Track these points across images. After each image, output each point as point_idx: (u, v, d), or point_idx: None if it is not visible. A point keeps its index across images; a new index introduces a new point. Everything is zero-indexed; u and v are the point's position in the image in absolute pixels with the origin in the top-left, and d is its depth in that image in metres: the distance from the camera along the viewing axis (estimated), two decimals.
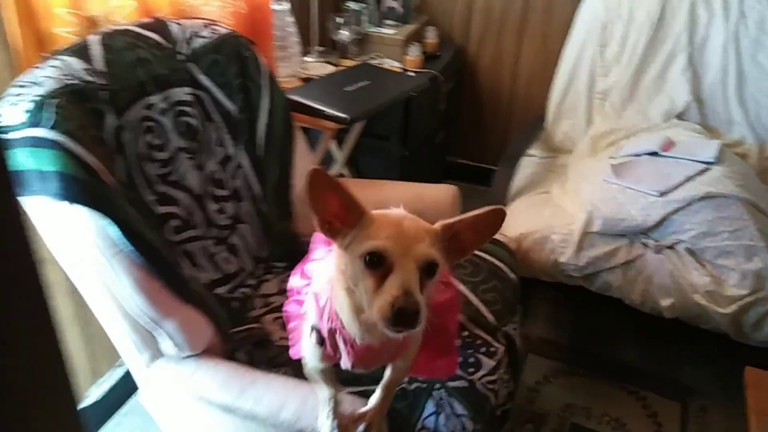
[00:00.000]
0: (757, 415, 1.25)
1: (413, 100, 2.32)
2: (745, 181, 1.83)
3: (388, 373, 1.04)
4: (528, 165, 2.41)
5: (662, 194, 1.76)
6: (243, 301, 1.53)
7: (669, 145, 2.04)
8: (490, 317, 1.49)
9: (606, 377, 2.02)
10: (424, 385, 1.23)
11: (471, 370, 1.30)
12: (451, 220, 0.82)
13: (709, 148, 1.96)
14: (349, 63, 2.32)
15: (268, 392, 1.14)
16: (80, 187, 1.09)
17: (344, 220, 0.80)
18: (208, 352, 1.26)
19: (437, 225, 0.82)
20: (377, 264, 0.75)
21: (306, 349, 1.01)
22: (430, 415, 1.17)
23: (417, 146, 2.52)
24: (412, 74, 2.40)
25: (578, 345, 2.16)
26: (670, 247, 1.76)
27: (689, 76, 2.28)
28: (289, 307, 1.14)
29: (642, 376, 2.02)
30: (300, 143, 1.73)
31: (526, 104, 2.88)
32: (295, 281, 1.13)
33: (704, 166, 1.87)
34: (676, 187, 1.78)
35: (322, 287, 0.92)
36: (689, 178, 1.82)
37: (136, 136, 1.32)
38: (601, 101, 2.43)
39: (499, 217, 0.82)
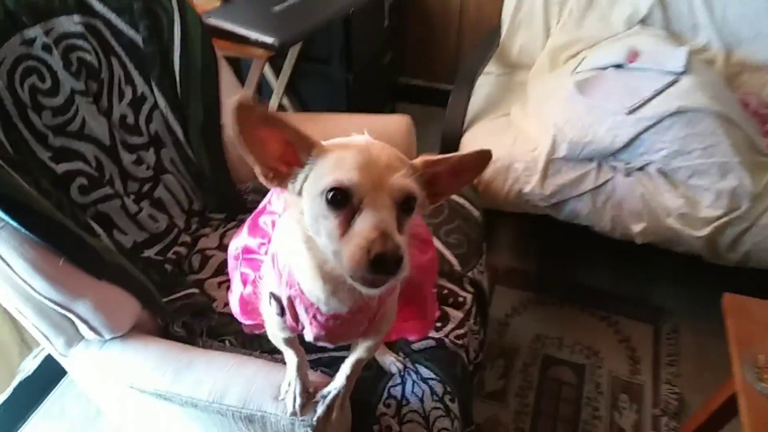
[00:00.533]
0: (738, 345, 1.17)
1: (355, 17, 2.06)
2: (715, 91, 1.70)
3: (356, 351, 0.89)
4: (484, 84, 2.22)
5: (631, 111, 1.62)
6: (178, 262, 1.34)
7: (634, 55, 1.89)
8: (455, 263, 1.36)
9: (576, 304, 1.96)
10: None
11: (438, 325, 1.17)
12: (435, 157, 0.68)
13: (676, 57, 1.81)
14: None
15: (207, 374, 0.98)
16: None
17: (290, 161, 0.65)
18: (136, 330, 1.08)
19: (418, 159, 0.67)
20: (342, 202, 0.60)
21: (266, 318, 0.87)
22: (397, 384, 1.05)
23: (362, 69, 2.29)
24: None
25: (546, 272, 2.08)
26: (641, 169, 1.64)
27: None
28: (244, 269, 0.96)
29: (613, 300, 1.97)
30: (226, 75, 1.49)
31: (479, 15, 2.65)
32: (244, 239, 0.95)
33: (673, 76, 1.73)
34: (645, 103, 1.64)
35: (281, 246, 0.76)
36: (658, 92, 1.67)
37: (12, 81, 1.07)
38: (559, 9, 2.23)
39: (485, 161, 0.70)
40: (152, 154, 1.37)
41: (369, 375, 1.06)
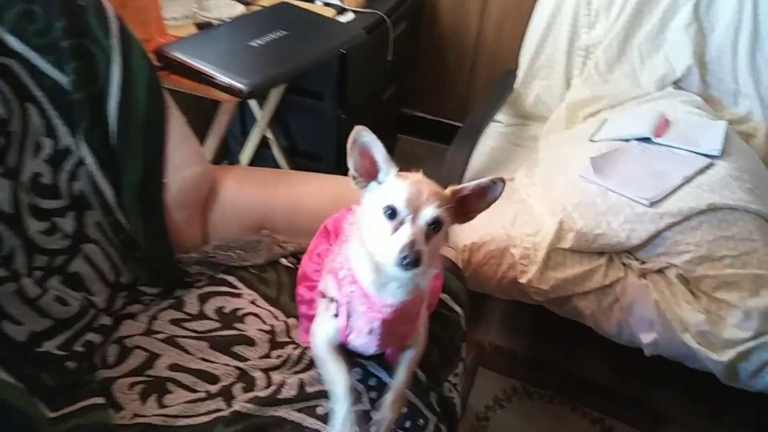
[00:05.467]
0: None
1: (352, 52, 1.83)
2: (754, 182, 1.45)
3: (401, 366, 1.05)
4: (492, 134, 1.98)
5: (653, 203, 1.37)
6: (87, 355, 1.11)
7: (664, 126, 1.63)
8: (420, 374, 1.13)
9: (568, 400, 1.71)
10: None
11: None
12: (459, 186, 0.91)
13: (713, 135, 1.56)
14: (267, 1, 1.79)
15: None
16: None
17: (369, 174, 0.92)
18: None
19: (447, 190, 0.91)
20: (393, 216, 0.86)
21: (319, 325, 1.04)
22: None
23: (358, 105, 2.05)
24: (351, 15, 1.89)
25: (537, 357, 1.84)
26: (658, 272, 1.39)
27: (692, 33, 1.83)
28: (300, 290, 1.19)
29: (610, 399, 1.72)
30: (176, 124, 1.26)
31: (495, 53, 2.41)
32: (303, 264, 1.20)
33: (707, 161, 1.48)
34: (670, 193, 1.39)
35: (342, 260, 0.98)
36: (687, 180, 1.42)
37: None
38: (584, 60, 1.98)
39: (499, 186, 0.90)
40: (71, 220, 1.14)
41: None
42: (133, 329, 1.19)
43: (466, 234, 1.51)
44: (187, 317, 1.24)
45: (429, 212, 0.86)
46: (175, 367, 1.12)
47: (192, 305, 1.25)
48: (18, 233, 1.05)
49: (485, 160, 1.85)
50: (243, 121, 2.16)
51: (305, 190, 1.38)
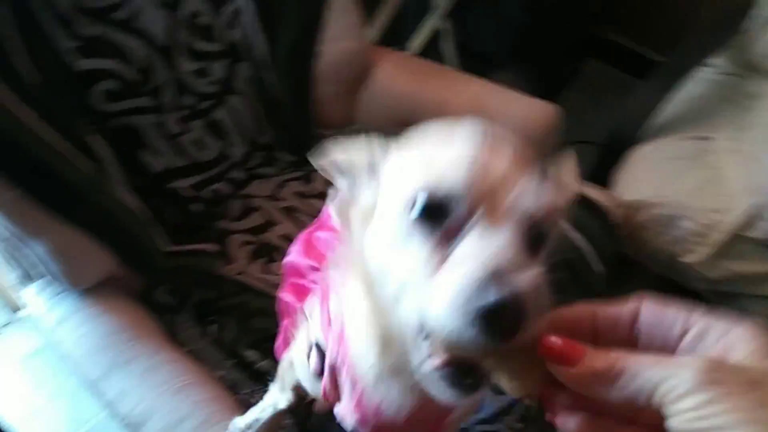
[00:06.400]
0: None
1: None
2: None
3: None
4: (699, 80, 1.64)
5: None
6: (214, 201, 1.13)
7: None
8: None
9: None
10: None
11: None
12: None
13: None
14: None
15: (139, 387, 0.78)
16: None
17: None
18: (109, 285, 0.90)
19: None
20: (435, 217, 0.38)
21: (296, 368, 0.64)
22: None
23: (546, 9, 1.80)
24: None
25: None
26: None
27: None
28: (284, 295, 0.75)
29: None
30: None
31: None
32: (293, 255, 0.76)
33: None
34: None
35: (337, 281, 0.53)
36: None
37: None
38: None
39: None
40: (223, 68, 1.11)
41: None
42: (260, 190, 1.19)
43: (632, 185, 1.29)
44: (311, 193, 1.21)
45: (528, 199, 0.38)
46: (286, 238, 1.10)
47: (319, 182, 1.21)
48: (170, 67, 1.04)
49: (680, 109, 1.54)
50: (419, 6, 2.00)
51: (457, 95, 1.24)
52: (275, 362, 0.73)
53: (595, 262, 1.13)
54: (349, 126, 1.26)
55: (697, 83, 1.63)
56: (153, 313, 0.92)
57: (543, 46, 1.92)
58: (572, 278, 1.08)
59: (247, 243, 1.10)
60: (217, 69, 1.11)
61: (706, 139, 1.42)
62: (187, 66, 1.06)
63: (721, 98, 1.62)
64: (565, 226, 1.07)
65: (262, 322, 0.94)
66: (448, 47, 2.01)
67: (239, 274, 1.05)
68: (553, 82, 2.06)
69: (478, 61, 2.02)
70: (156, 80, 1.02)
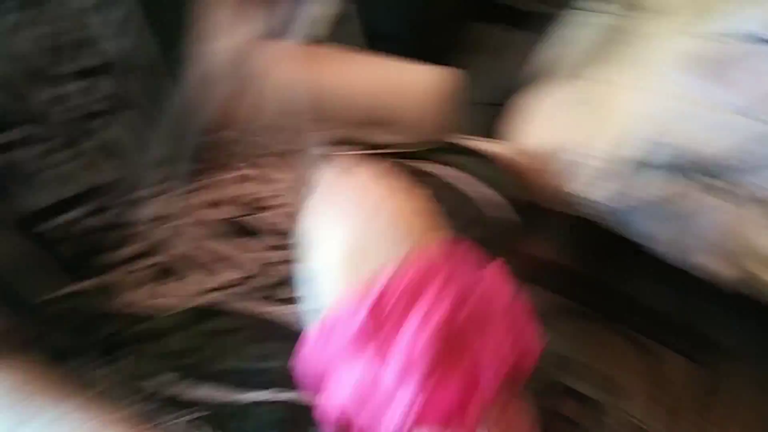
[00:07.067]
0: None
1: None
2: None
3: None
4: (586, 25, 1.71)
5: None
6: (103, 230, 1.08)
7: None
8: None
9: (616, 322, 1.58)
10: None
11: None
12: None
13: None
14: None
15: None
16: None
17: None
18: None
19: None
20: None
21: None
22: None
23: None
24: None
25: (589, 274, 1.68)
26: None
27: None
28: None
29: (663, 325, 1.57)
30: None
31: None
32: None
33: None
34: None
35: None
36: None
37: None
38: None
39: None
40: (110, 82, 1.08)
41: None
42: (160, 208, 1.15)
43: (531, 137, 1.34)
44: (218, 201, 1.18)
45: None
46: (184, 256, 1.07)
47: (226, 189, 1.19)
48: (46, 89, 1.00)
49: (574, 54, 1.60)
50: None
51: (357, 76, 1.24)
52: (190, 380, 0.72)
53: (511, 213, 1.18)
54: (250, 124, 1.24)
55: (586, 27, 1.70)
56: (53, 361, 0.89)
57: (438, 15, 1.96)
58: (489, 233, 1.12)
59: (138, 270, 1.07)
60: (104, 83, 1.07)
61: (599, 80, 1.49)
62: (71, 86, 1.02)
63: (611, 40, 1.69)
64: (477, 185, 1.12)
65: (166, 345, 0.92)
66: (352, 30, 2.01)
67: (129, 305, 1.01)
68: (453, 47, 2.10)
69: (382, 41, 2.03)
70: (28, 108, 0.97)
